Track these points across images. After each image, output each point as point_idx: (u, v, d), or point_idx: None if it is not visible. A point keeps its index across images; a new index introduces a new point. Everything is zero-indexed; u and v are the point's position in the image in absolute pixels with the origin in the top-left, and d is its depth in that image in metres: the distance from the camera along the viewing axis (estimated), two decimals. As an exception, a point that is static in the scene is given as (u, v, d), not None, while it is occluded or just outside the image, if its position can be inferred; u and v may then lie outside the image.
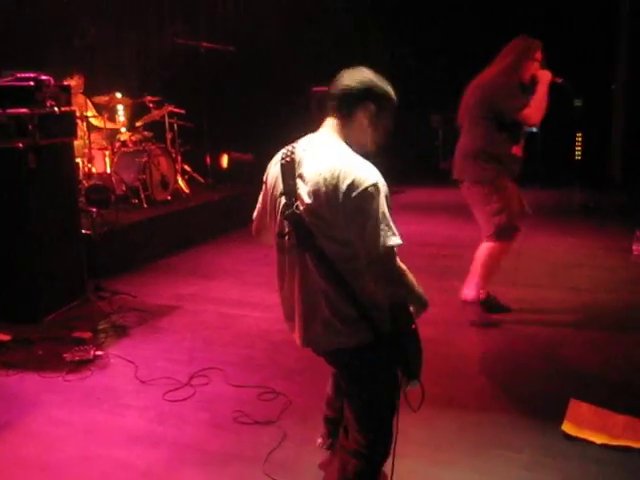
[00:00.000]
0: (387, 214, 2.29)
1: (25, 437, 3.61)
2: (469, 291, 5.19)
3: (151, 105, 8.47)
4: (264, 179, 2.59)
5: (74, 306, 5.62)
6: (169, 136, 8.57)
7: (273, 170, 2.50)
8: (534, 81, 4.85)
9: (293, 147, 2.46)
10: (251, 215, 2.77)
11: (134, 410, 3.92)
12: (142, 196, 7.62)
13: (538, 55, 4.85)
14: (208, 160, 8.99)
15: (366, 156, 2.40)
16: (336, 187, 2.27)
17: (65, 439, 3.59)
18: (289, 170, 2.40)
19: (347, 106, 2.43)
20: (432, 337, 4.79)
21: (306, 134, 2.55)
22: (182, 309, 5.62)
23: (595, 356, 4.49)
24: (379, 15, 11.40)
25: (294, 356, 4.57)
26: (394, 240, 2.29)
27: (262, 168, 2.64)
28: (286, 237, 2.43)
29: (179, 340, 4.97)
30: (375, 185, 2.27)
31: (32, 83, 5.26)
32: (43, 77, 5.37)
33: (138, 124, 8.40)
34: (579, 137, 11.69)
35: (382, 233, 2.27)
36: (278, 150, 2.52)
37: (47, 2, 8.16)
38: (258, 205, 2.67)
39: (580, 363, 4.38)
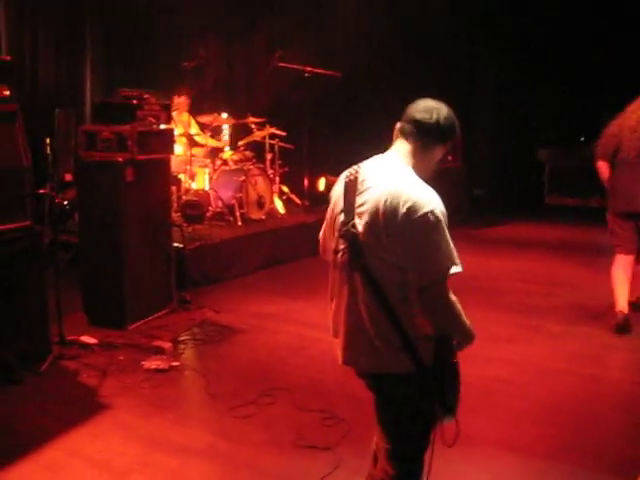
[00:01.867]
0: (448, 240, 2.29)
1: (89, 437, 3.77)
2: None
3: (253, 126, 8.69)
4: (329, 197, 2.63)
5: (159, 316, 5.81)
6: (269, 157, 8.75)
7: (337, 188, 2.53)
8: None
9: (359, 166, 2.49)
10: None
11: (198, 422, 4.02)
12: (237, 214, 7.80)
13: None
14: (306, 182, 9.10)
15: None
16: (396, 209, 2.28)
17: (126, 443, 3.71)
18: (351, 188, 2.43)
19: (432, 140, 2.46)
20: (507, 378, 4.67)
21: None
22: (262, 327, 5.69)
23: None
24: (490, 44, 11.25)
25: (363, 384, 4.52)
26: (456, 268, 2.29)
27: None
28: (340, 254, 2.46)
29: (254, 358, 5.03)
30: (433, 211, 2.27)
31: (135, 101, 5.52)
32: (145, 95, 5.62)
33: (240, 144, 8.63)
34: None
35: (442, 259, 2.28)
36: None
37: (160, 24, 8.56)
38: (324, 224, 2.71)
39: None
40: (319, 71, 8.82)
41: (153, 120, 5.63)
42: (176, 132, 7.51)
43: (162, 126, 5.83)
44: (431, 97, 2.56)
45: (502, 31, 11.30)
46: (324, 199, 9.73)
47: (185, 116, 7.99)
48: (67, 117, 7.39)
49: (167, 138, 5.86)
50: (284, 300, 6.47)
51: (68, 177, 7.36)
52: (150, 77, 8.30)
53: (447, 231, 2.30)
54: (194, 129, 8.22)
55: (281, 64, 8.77)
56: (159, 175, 5.84)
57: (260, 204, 8.14)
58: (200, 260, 6.74)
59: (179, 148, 7.90)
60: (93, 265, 5.59)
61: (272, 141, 8.82)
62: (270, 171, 8.69)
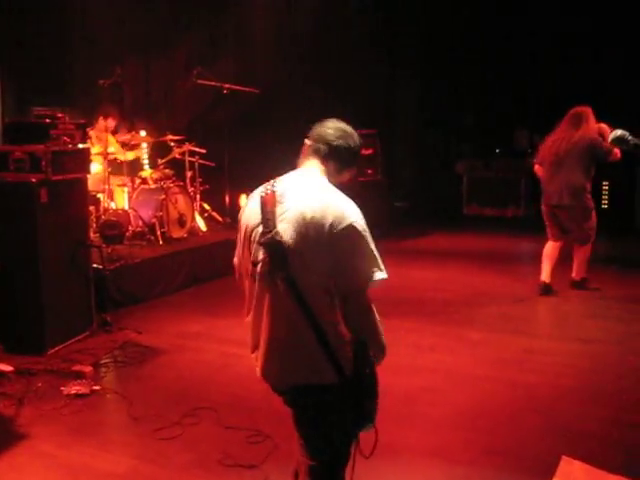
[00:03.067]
0: (374, 248, 2.40)
1: (7, 469, 3.63)
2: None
3: (173, 144, 8.61)
4: (238, 218, 2.62)
5: (79, 339, 5.67)
6: (189, 174, 8.69)
7: (250, 205, 2.53)
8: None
9: (274, 181, 2.52)
10: None
11: (120, 446, 3.93)
12: (158, 233, 7.71)
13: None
14: (227, 199, 9.08)
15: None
16: (322, 220, 2.33)
17: (46, 473, 3.60)
18: (270, 201, 2.43)
19: (343, 163, 2.58)
20: (430, 386, 4.76)
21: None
22: (185, 347, 5.62)
23: (596, 412, 4.37)
24: (410, 59, 11.52)
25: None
26: (380, 275, 2.38)
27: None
28: (259, 265, 2.43)
29: (177, 378, 4.97)
30: (357, 222, 2.37)
31: (48, 120, 5.40)
32: (59, 115, 5.51)
33: (160, 162, 8.54)
34: (605, 186, 11.59)
35: (367, 267, 2.37)
36: None
37: (76, 42, 8.41)
38: (237, 249, 2.66)
39: (578, 418, 4.26)
40: (237, 88, 8.83)
41: (67, 139, 5.52)
42: (93, 151, 7.39)
43: (80, 145, 5.73)
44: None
45: (421, 46, 11.60)
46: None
47: (105, 135, 7.84)
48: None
49: (83, 157, 5.75)
50: (207, 318, 6.42)
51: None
52: (66, 96, 8.13)
53: (371, 239, 2.40)
54: (113, 147, 8.09)
55: (199, 81, 8.74)
56: (75, 195, 5.71)
57: (181, 222, 8.07)
58: (121, 281, 6.62)
59: (96, 167, 7.75)
60: (8, 290, 5.40)
61: (192, 158, 8.76)
62: (191, 189, 8.63)
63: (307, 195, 2.41)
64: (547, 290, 7.01)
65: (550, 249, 7.11)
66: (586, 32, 10.17)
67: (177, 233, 7.99)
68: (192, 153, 8.73)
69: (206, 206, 9.06)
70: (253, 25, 10.84)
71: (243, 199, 9.24)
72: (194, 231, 8.38)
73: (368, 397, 2.46)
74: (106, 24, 8.91)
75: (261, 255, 2.41)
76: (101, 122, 7.98)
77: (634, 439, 3.98)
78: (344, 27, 10.69)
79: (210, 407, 4.36)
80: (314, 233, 2.33)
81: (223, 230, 8.83)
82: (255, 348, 2.60)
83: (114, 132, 8.34)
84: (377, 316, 2.47)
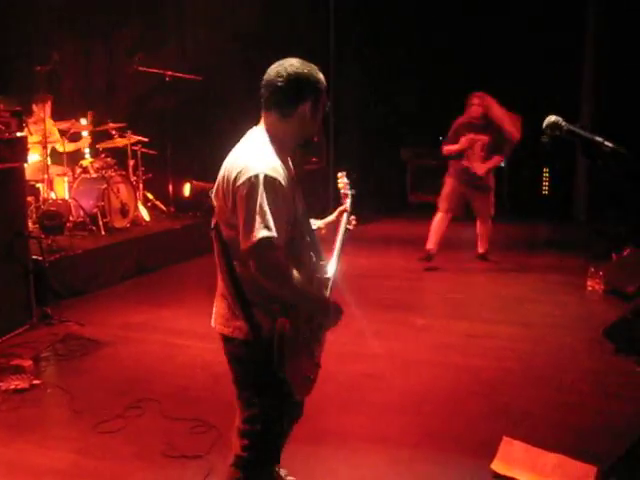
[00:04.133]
0: (265, 206, 2.30)
1: (-58, 469, 3.52)
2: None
3: (114, 132, 8.44)
4: None
5: (19, 333, 5.52)
6: (131, 163, 8.54)
7: None
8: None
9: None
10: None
11: (62, 441, 3.85)
12: (100, 223, 7.56)
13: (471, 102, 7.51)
14: (171, 188, 8.96)
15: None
16: (229, 176, 2.40)
17: (-16, 471, 3.50)
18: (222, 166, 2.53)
19: (285, 104, 2.47)
20: (374, 372, 4.80)
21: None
22: (129, 338, 5.54)
23: (536, 393, 4.47)
24: (351, 45, 11.51)
25: (232, 389, 4.49)
26: (262, 233, 2.29)
27: None
28: (212, 227, 2.54)
29: (120, 370, 4.89)
30: (257, 176, 2.31)
31: (-20, 108, 5.23)
32: (-8, 102, 5.33)
33: (99, 147, 8.36)
34: (546, 172, 11.82)
35: (255, 225, 2.30)
36: None
37: (11, 27, 8.16)
38: None
39: (520, 400, 4.35)
40: (180, 75, 8.70)
41: (2, 128, 5.36)
42: (31, 140, 7.18)
43: (16, 134, 5.57)
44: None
45: (363, 33, 11.59)
46: (190, 205, 9.62)
47: (47, 123, 7.61)
48: None
49: (19, 146, 5.59)
50: (151, 309, 6.33)
51: None
52: (0, 83, 7.88)
53: (265, 196, 2.30)
54: (53, 137, 7.88)
55: (141, 68, 8.58)
56: (12, 185, 5.55)
57: (124, 212, 7.93)
58: (62, 272, 6.46)
59: (35, 156, 7.55)
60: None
61: (135, 147, 8.61)
62: (133, 178, 8.48)
63: (234, 152, 2.49)
64: (427, 258, 7.70)
65: (440, 220, 7.76)
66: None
67: (120, 223, 7.85)
68: (134, 142, 8.58)
69: (149, 195, 8.93)
70: (195, 10, 10.67)
71: (187, 188, 9.15)
72: (137, 221, 8.24)
73: (277, 361, 2.43)
74: (43, 7, 8.66)
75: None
76: (34, 109, 7.74)
77: (573, 419, 4.09)
78: (288, 10, 10.60)
79: (154, 399, 4.31)
80: (225, 189, 2.40)
81: (167, 219, 8.73)
82: None
83: (51, 117, 8.11)
84: (295, 274, 2.42)
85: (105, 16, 9.52)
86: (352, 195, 3.11)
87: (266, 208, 2.30)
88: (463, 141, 7.50)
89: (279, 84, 2.44)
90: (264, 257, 2.34)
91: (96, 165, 8.06)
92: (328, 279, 2.72)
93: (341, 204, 3.08)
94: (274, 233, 2.30)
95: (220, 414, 4.08)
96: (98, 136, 8.58)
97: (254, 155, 2.40)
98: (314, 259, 2.66)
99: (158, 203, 8.98)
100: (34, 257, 5.94)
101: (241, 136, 2.61)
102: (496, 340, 5.42)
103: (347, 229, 3.00)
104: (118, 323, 5.90)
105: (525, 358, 5.04)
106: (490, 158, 7.52)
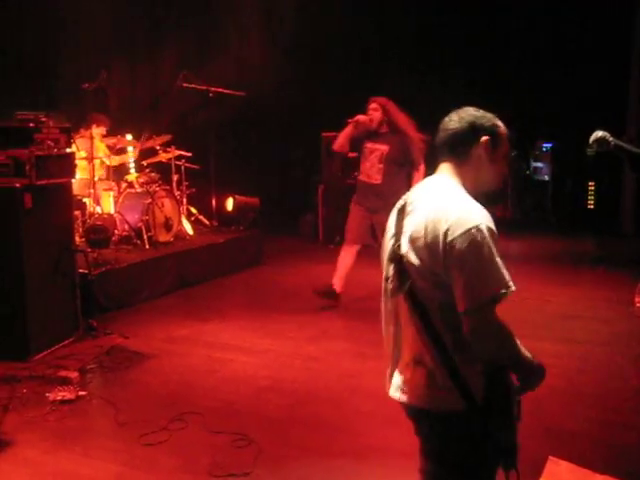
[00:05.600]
0: (493, 259, 2.08)
1: (-8, 477, 3.60)
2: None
3: (158, 147, 8.58)
4: None
5: (65, 345, 5.62)
6: (175, 178, 8.66)
7: (389, 218, 2.42)
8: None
9: (409, 193, 2.40)
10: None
11: (107, 453, 3.90)
12: (145, 237, 7.67)
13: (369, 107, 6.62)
14: (214, 203, 9.06)
15: (487, 196, 2.34)
16: (436, 229, 2.13)
17: (31, 481, 3.57)
18: (400, 213, 2.33)
19: (460, 147, 2.32)
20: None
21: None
22: (172, 351, 5.59)
23: (583, 411, 4.38)
24: (392, 60, 11.50)
25: (275, 404, 4.55)
26: (488, 291, 2.07)
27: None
28: (389, 280, 2.31)
29: (164, 383, 4.94)
30: (478, 227, 2.08)
31: (32, 124, 5.36)
32: (43, 119, 5.46)
33: (145, 163, 8.51)
34: (591, 186, 11.65)
35: (483, 281, 2.08)
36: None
37: (61, 45, 8.38)
38: None
39: (565, 419, 4.28)
40: (223, 91, 8.81)
41: (52, 144, 5.47)
42: (79, 156, 7.34)
43: (65, 149, 5.70)
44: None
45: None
46: (232, 219, 9.75)
47: (90, 141, 7.79)
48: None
49: (67, 162, 5.70)
50: (194, 322, 6.39)
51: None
52: (50, 100, 8.09)
53: (494, 250, 2.09)
54: (101, 152, 8.05)
55: (185, 85, 8.72)
56: (60, 200, 5.67)
57: (168, 226, 8.03)
58: (107, 285, 6.58)
59: (82, 172, 7.71)
60: (-7, 296, 5.36)
61: (178, 162, 8.74)
62: (177, 192, 8.60)
63: (427, 204, 2.23)
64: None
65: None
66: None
67: (164, 237, 7.95)
68: (178, 157, 8.71)
69: (193, 210, 9.04)
70: (240, 28, 10.84)
71: (230, 202, 9.24)
72: (181, 235, 8.35)
73: (501, 428, 2.18)
74: (91, 27, 8.88)
75: (391, 271, 2.30)
76: (94, 129, 7.94)
77: (620, 439, 4.00)
78: (332, 29, 10.68)
79: (197, 412, 4.34)
80: (430, 244, 2.14)
81: (210, 233, 8.81)
82: (387, 364, 2.44)
83: (104, 137, 8.30)
84: (511, 335, 2.17)
85: (151, 34, 9.72)
86: None
87: (496, 262, 2.08)
88: (349, 127, 6.55)
89: (452, 126, 2.33)
90: (489, 316, 2.09)
91: (141, 180, 8.20)
92: None
93: None
94: (512, 287, 2.08)
95: (261, 429, 4.12)
96: (143, 151, 8.74)
97: (460, 204, 2.18)
98: None
99: (201, 217, 9.08)
100: (80, 270, 6.05)
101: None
102: (540, 357, 5.30)
103: None
104: (162, 336, 5.96)
105: (570, 376, 4.95)
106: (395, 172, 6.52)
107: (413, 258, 2.19)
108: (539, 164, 11.78)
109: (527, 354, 2.26)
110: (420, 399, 2.24)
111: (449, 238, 2.09)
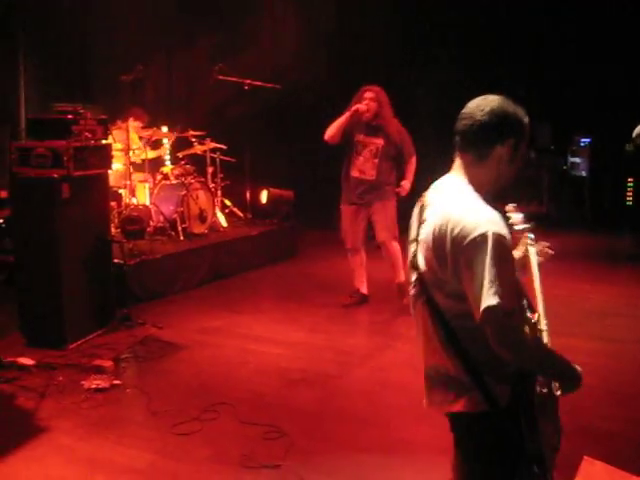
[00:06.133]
0: (493, 269, 1.98)
1: (27, 461, 3.67)
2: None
3: (193, 140, 8.63)
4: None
5: (100, 334, 5.69)
6: (210, 170, 8.70)
7: (412, 218, 2.35)
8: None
9: (427, 191, 2.31)
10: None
11: (139, 441, 3.94)
12: (179, 228, 7.73)
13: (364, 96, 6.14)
14: (248, 195, 9.09)
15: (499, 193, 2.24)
16: (444, 236, 2.07)
17: (65, 466, 3.63)
18: (417, 217, 2.27)
19: (483, 144, 2.17)
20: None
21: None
22: (205, 342, 5.63)
23: (619, 411, 4.31)
24: (428, 52, 11.40)
25: (306, 396, 4.56)
26: (489, 300, 1.97)
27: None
28: (412, 286, 2.26)
29: (197, 373, 4.98)
30: (484, 235, 1.99)
31: (70, 116, 5.43)
32: (81, 110, 5.53)
33: (180, 155, 8.57)
34: (630, 182, 11.42)
35: (484, 291, 1.98)
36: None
37: (97, 37, 8.47)
38: None
39: (602, 418, 4.21)
40: (259, 84, 8.82)
41: (89, 135, 5.55)
42: (115, 147, 7.42)
43: (102, 141, 5.77)
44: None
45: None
46: (266, 212, 9.72)
47: (127, 133, 7.87)
48: (1, 133, 7.22)
49: (104, 153, 5.78)
50: (228, 314, 6.42)
51: (3, 194, 7.19)
52: (88, 92, 8.19)
53: (501, 258, 2.00)
54: (135, 144, 8.12)
55: (221, 77, 8.74)
56: (96, 191, 5.75)
57: (202, 218, 8.08)
58: (141, 276, 6.65)
59: (118, 163, 7.79)
60: (30, 284, 5.45)
61: (213, 154, 8.78)
62: (211, 184, 8.64)
63: (437, 211, 2.15)
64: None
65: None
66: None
67: (198, 229, 8.01)
68: (213, 149, 8.75)
69: (227, 202, 9.07)
70: (275, 20, 10.84)
71: (264, 195, 9.26)
72: (215, 227, 8.39)
73: (525, 435, 2.11)
74: (128, 20, 8.96)
75: (412, 277, 2.25)
76: (130, 123, 8.02)
77: (657, 439, 3.93)
78: (366, 25, 10.63)
79: (229, 403, 4.36)
80: (440, 254, 2.09)
81: (244, 226, 8.84)
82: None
83: (141, 130, 8.38)
84: (534, 350, 2.15)
85: (186, 27, 9.78)
86: (529, 229, 2.65)
87: (495, 272, 1.98)
88: (345, 117, 6.09)
89: (479, 117, 2.15)
90: (497, 328, 2.01)
91: (176, 172, 8.25)
92: (544, 332, 2.34)
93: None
94: (502, 300, 1.97)
95: (293, 421, 4.14)
96: (178, 143, 8.80)
97: (469, 209, 2.08)
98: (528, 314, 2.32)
99: (235, 210, 9.11)
100: (116, 261, 6.12)
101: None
102: (575, 355, 5.18)
103: (540, 263, 2.56)
104: (195, 327, 6.00)
105: (607, 374, 4.86)
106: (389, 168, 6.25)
107: (426, 267, 2.16)
108: (577, 159, 11.59)
109: (561, 360, 2.20)
110: (447, 404, 2.23)
111: (455, 248, 2.05)
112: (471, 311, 2.04)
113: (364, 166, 6.19)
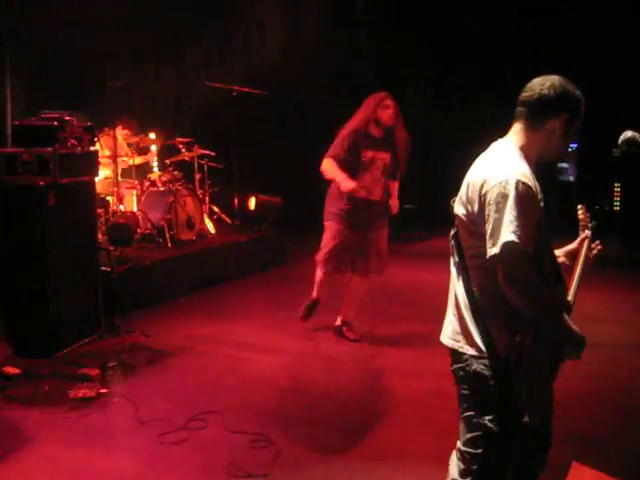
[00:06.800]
0: (514, 212, 2.19)
1: (12, 473, 3.62)
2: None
3: (181, 146, 8.61)
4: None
5: (87, 342, 5.64)
6: (198, 177, 8.68)
7: None
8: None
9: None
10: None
11: (126, 451, 3.91)
12: (167, 235, 7.69)
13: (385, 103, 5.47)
14: (236, 202, 9.06)
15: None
16: (476, 184, 2.34)
17: (51, 478, 3.59)
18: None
19: (539, 114, 2.39)
20: (439, 390, 4.71)
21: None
22: (193, 350, 5.60)
23: (607, 417, 4.32)
24: (411, 63, 11.45)
25: (295, 404, 4.55)
26: (508, 237, 2.18)
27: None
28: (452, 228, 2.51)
29: (184, 382, 4.95)
30: (507, 181, 2.23)
31: (55, 123, 5.39)
32: (67, 117, 5.49)
33: (168, 162, 8.54)
34: (617, 187, 11.49)
35: (503, 228, 2.20)
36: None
37: (83, 44, 8.42)
38: None
39: (590, 424, 4.22)
40: (246, 90, 8.81)
41: (75, 142, 5.51)
42: (102, 154, 7.38)
43: (89, 148, 5.73)
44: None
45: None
46: (255, 218, 9.68)
47: (118, 139, 7.83)
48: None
49: (91, 160, 5.74)
50: (216, 322, 6.39)
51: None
52: (74, 99, 8.13)
53: (522, 203, 2.21)
54: (123, 151, 8.09)
55: (208, 83, 8.73)
56: (83, 198, 5.70)
57: (190, 225, 8.05)
58: (129, 283, 6.59)
59: (105, 170, 7.75)
60: (16, 293, 5.39)
61: (201, 161, 8.75)
62: (199, 191, 8.62)
63: (477, 164, 2.44)
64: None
65: None
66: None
67: (186, 235, 7.97)
68: (201, 156, 8.72)
69: (215, 208, 9.05)
70: (262, 27, 10.82)
71: (252, 201, 9.23)
72: (203, 233, 8.36)
73: (524, 388, 2.26)
74: (115, 27, 8.91)
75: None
76: (119, 131, 7.98)
77: (644, 445, 3.93)
78: (351, 29, 10.65)
79: (217, 411, 4.32)
80: (470, 196, 2.35)
81: (232, 232, 8.81)
82: None
83: (128, 137, 8.34)
84: (541, 292, 2.27)
85: (174, 33, 9.74)
86: (593, 228, 2.82)
87: (515, 213, 2.19)
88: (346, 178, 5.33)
89: (539, 90, 2.38)
90: (510, 264, 2.20)
91: (164, 178, 8.22)
92: (570, 303, 2.52)
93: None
94: (519, 239, 2.18)
95: (281, 429, 4.12)
96: (166, 150, 8.77)
97: (503, 161, 2.34)
98: (553, 283, 2.47)
99: (223, 216, 9.09)
100: (103, 268, 6.08)
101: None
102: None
103: (588, 257, 2.71)
104: (183, 335, 5.96)
105: (595, 380, 4.88)
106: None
107: (459, 209, 2.42)
108: (564, 164, 11.66)
109: (568, 321, 2.35)
110: (452, 340, 2.46)
111: (483, 190, 2.29)
112: (483, 249, 2.26)
113: (372, 184, 5.47)
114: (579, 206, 2.88)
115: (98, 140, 7.00)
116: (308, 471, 3.53)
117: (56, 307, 5.36)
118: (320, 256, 5.70)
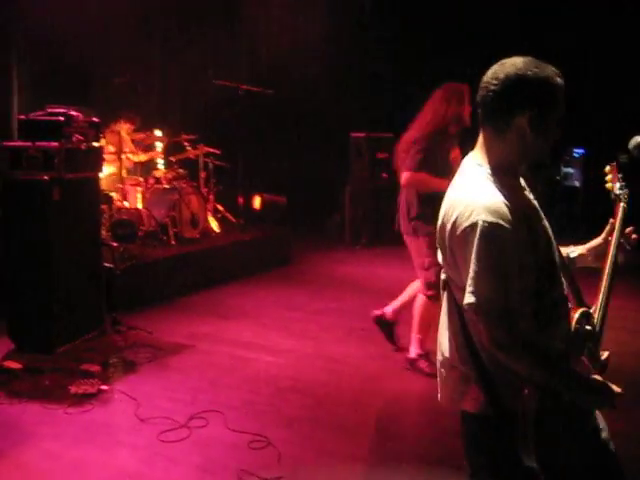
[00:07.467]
0: (478, 263, 1.84)
1: (12, 468, 3.61)
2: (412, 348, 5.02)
3: (187, 144, 8.60)
4: None
5: (89, 338, 5.62)
6: (202, 175, 8.67)
7: None
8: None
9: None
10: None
11: (126, 448, 3.89)
12: (170, 233, 7.68)
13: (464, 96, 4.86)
14: (241, 201, 9.05)
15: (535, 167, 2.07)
16: (445, 225, 1.97)
17: (51, 473, 3.58)
18: None
19: (500, 115, 1.96)
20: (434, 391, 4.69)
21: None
22: (194, 348, 5.58)
23: (611, 426, 4.27)
24: (418, 63, 11.41)
25: (297, 404, 4.52)
26: (467, 298, 1.87)
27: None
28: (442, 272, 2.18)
29: (185, 380, 4.93)
30: (474, 225, 1.85)
31: (61, 118, 5.37)
32: (72, 112, 5.48)
33: (172, 160, 8.53)
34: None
35: (466, 287, 1.88)
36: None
37: (91, 41, 8.42)
38: None
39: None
40: (252, 89, 8.80)
41: (81, 137, 5.49)
42: (107, 150, 7.37)
43: (94, 144, 5.72)
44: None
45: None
46: (259, 217, 9.71)
47: (119, 137, 7.82)
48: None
49: (96, 156, 5.73)
50: (218, 320, 6.38)
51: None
52: (81, 94, 8.13)
53: (494, 248, 1.84)
54: (128, 147, 8.08)
55: (215, 81, 8.72)
56: (88, 194, 5.68)
57: (194, 223, 8.04)
58: (132, 280, 6.58)
59: (111, 166, 7.74)
60: (19, 288, 5.38)
61: (206, 159, 8.75)
62: (204, 189, 8.61)
63: (450, 191, 2.04)
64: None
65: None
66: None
67: (190, 233, 7.96)
68: (206, 154, 8.72)
69: (219, 207, 9.04)
70: (269, 26, 10.82)
71: (257, 201, 9.23)
72: (207, 232, 8.35)
73: (523, 445, 1.93)
74: (122, 23, 8.91)
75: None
76: (122, 125, 7.97)
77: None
78: (359, 29, 10.64)
79: (217, 410, 4.31)
80: (442, 242, 2.01)
81: (236, 231, 8.80)
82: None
83: (132, 132, 8.34)
84: (532, 358, 1.92)
85: (181, 30, 9.75)
86: (624, 197, 2.35)
87: (480, 266, 1.85)
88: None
89: (492, 88, 1.95)
90: (487, 324, 1.88)
91: (169, 176, 8.22)
92: (591, 334, 2.15)
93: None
94: (477, 300, 1.85)
95: (282, 429, 4.09)
96: (171, 148, 8.76)
97: (468, 195, 1.93)
98: (565, 310, 2.12)
99: (228, 215, 9.07)
100: (106, 264, 6.06)
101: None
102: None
103: (616, 255, 2.31)
104: (185, 333, 5.95)
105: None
106: None
107: (441, 252, 2.07)
108: (570, 170, 11.60)
109: (570, 371, 2.02)
110: (451, 400, 2.12)
111: (451, 239, 1.94)
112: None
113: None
114: (607, 168, 2.43)
115: (104, 136, 6.99)
116: (308, 472, 3.52)
117: (59, 302, 5.33)
118: (431, 277, 4.74)
